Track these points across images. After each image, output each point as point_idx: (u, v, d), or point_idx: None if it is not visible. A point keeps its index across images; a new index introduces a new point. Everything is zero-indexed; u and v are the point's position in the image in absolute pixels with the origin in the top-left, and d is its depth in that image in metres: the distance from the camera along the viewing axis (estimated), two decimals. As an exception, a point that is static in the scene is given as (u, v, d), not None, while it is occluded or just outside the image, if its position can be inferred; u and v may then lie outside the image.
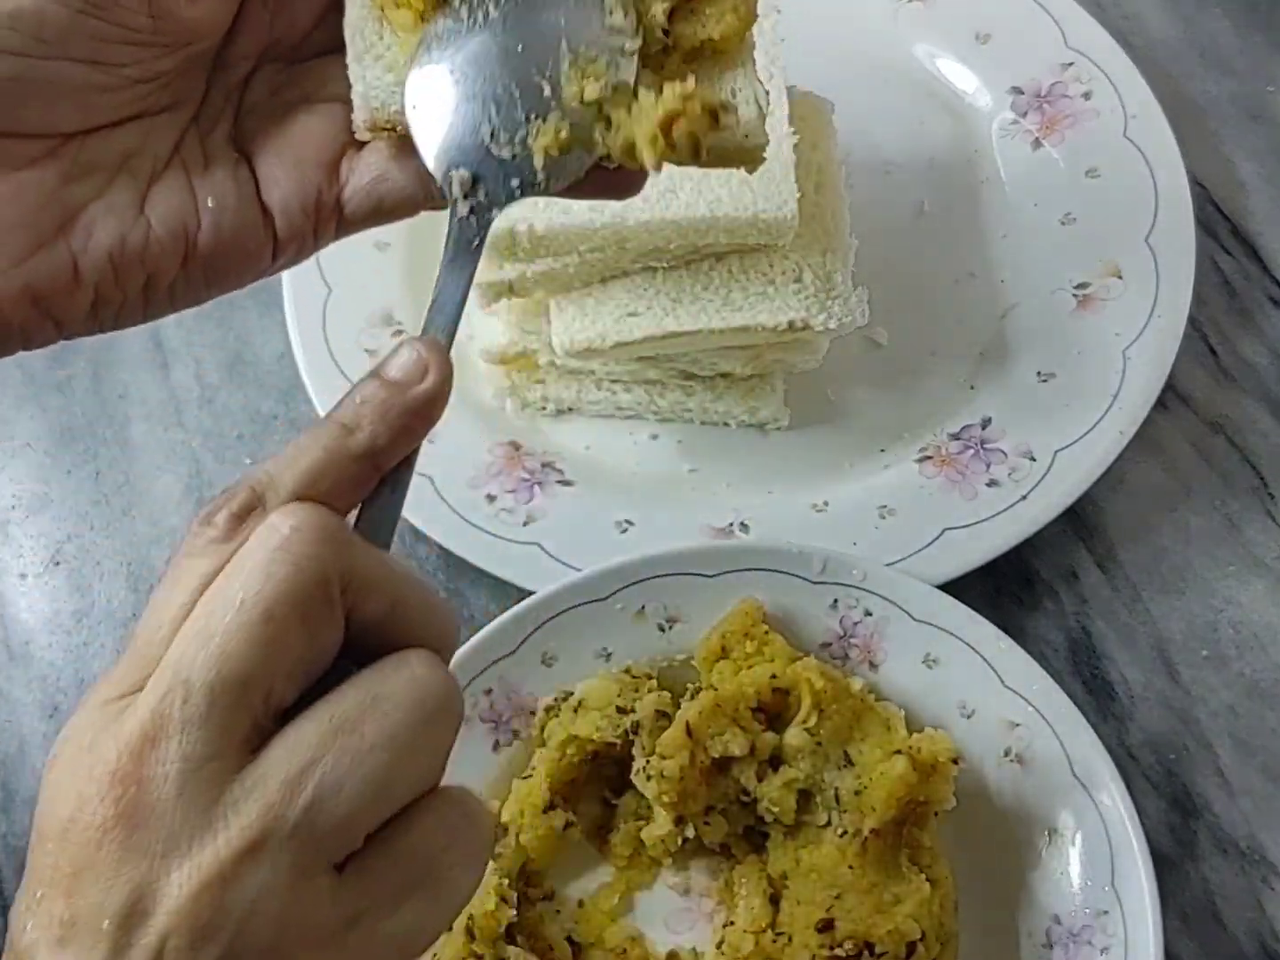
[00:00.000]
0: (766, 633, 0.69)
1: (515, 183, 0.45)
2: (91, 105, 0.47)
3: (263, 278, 0.52)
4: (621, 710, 0.68)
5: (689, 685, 0.69)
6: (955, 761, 0.65)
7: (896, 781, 0.63)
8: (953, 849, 0.67)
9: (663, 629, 0.71)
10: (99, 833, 0.34)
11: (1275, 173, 0.86)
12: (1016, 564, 0.76)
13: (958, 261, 0.84)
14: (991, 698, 0.68)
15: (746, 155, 0.46)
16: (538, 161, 0.44)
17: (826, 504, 0.77)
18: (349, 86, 0.48)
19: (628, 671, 0.70)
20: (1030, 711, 0.67)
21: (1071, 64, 0.86)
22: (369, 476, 0.40)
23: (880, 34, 0.90)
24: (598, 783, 0.70)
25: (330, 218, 0.50)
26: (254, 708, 0.35)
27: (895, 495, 0.76)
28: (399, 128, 0.46)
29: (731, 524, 0.76)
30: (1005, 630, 0.68)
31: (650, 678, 0.70)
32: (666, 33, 0.45)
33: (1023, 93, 0.87)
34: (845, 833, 0.65)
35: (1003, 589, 0.76)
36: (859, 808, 0.65)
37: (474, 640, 0.69)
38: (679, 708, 0.67)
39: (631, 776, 0.66)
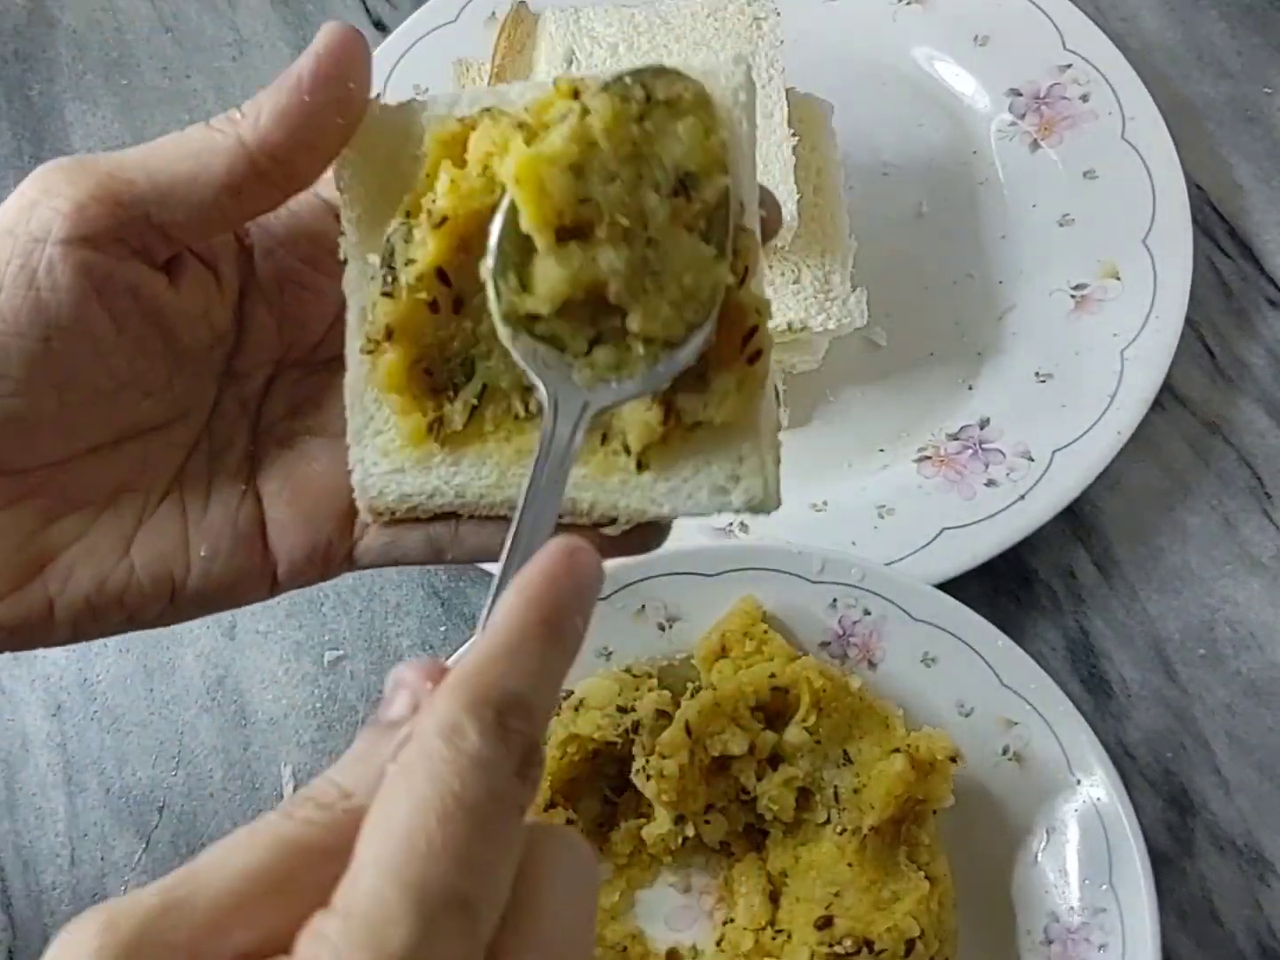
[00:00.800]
0: (766, 632, 0.69)
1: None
2: (74, 429, 0.42)
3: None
4: (622, 709, 0.68)
5: (689, 684, 0.69)
6: (953, 760, 0.65)
7: (895, 779, 0.64)
8: (951, 847, 0.67)
9: (663, 628, 0.71)
10: None
11: (1272, 174, 0.87)
12: (1015, 563, 0.76)
13: (956, 263, 0.84)
14: (989, 696, 0.68)
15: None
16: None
17: (826, 503, 0.77)
18: None
19: (628, 670, 0.71)
20: (1028, 710, 0.68)
21: (1069, 66, 0.86)
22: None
23: (879, 36, 0.90)
24: (598, 781, 0.71)
25: (340, 566, 0.46)
26: None
27: (894, 495, 0.77)
28: (398, 513, 0.44)
29: (731, 524, 0.76)
30: (1003, 629, 0.68)
31: (650, 676, 0.71)
32: (670, 405, 0.41)
33: (1021, 95, 0.87)
34: (844, 830, 0.65)
35: (1001, 588, 0.76)
36: (858, 805, 0.65)
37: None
38: (679, 707, 0.67)
39: (631, 776, 0.67)
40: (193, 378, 0.45)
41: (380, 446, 0.44)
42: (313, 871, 0.29)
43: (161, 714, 0.77)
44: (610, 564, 0.70)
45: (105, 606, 0.43)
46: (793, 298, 0.72)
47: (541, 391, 0.39)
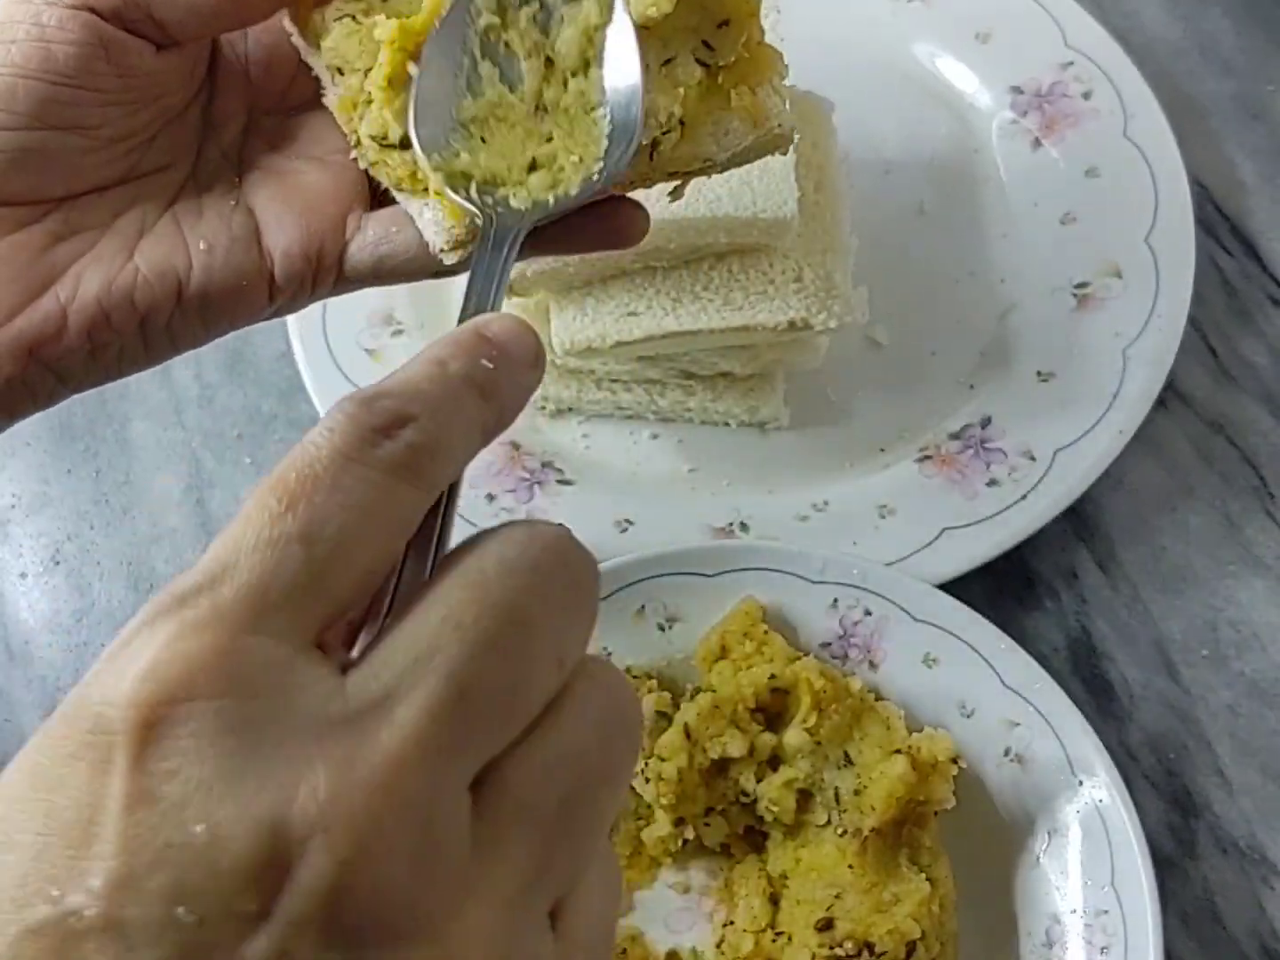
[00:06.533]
0: (766, 633, 0.69)
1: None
2: (76, 170, 0.48)
3: (259, 320, 0.52)
4: (621, 710, 0.68)
5: (688, 685, 0.69)
6: (955, 761, 0.65)
7: (896, 781, 0.63)
8: (952, 849, 0.67)
9: (662, 629, 0.71)
10: None
11: (1275, 172, 0.86)
12: (1016, 564, 0.76)
13: (958, 261, 0.84)
14: (991, 697, 0.68)
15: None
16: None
17: (826, 503, 0.77)
18: (344, 143, 0.49)
19: (628, 671, 0.70)
20: (1030, 711, 0.67)
21: (1071, 63, 0.86)
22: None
23: (880, 33, 0.90)
24: (597, 782, 0.70)
25: (330, 269, 0.50)
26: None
27: (895, 495, 0.76)
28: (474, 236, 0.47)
29: (731, 524, 0.76)
30: (1005, 630, 0.68)
31: (650, 677, 0.70)
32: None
33: (1023, 92, 0.87)
34: (845, 832, 0.65)
35: (1003, 589, 0.76)
36: (859, 807, 0.65)
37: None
38: (678, 708, 0.67)
39: None
40: (178, 129, 0.50)
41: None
42: None
43: (158, 715, 0.76)
44: (610, 564, 0.70)
45: (116, 306, 0.48)
46: (794, 295, 0.72)
47: (477, 218, 0.43)
